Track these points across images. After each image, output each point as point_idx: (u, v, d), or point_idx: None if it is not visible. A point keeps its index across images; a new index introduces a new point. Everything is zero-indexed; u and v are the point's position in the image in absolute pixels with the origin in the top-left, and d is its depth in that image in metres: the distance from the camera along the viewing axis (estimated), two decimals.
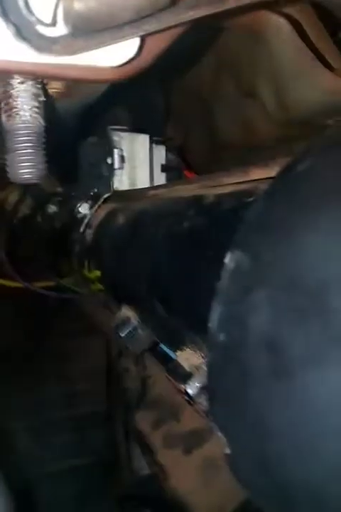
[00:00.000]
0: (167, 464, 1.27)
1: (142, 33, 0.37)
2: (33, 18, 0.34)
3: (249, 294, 0.32)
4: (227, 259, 0.35)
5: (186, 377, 0.54)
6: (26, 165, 0.49)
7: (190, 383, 0.53)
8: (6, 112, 0.48)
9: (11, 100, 0.48)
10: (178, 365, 0.56)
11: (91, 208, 0.84)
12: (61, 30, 0.35)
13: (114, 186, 0.86)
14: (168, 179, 0.94)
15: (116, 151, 0.81)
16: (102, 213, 0.83)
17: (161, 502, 1.29)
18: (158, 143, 0.89)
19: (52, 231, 1.09)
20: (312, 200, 0.31)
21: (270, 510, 0.37)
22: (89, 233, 0.85)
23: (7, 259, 1.27)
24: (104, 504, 1.40)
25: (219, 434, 0.39)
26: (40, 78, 0.45)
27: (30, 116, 0.48)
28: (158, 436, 1.32)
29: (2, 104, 0.48)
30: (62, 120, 0.63)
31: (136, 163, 0.85)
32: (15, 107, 0.47)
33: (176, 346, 0.59)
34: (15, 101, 0.47)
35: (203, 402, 0.54)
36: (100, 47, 0.37)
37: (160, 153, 0.90)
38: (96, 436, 1.49)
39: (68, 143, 0.68)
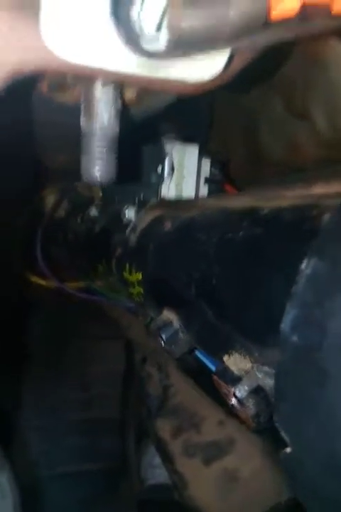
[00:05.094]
0: (186, 473, 1.28)
1: (233, 51, 0.40)
2: (137, 29, 0.37)
3: (328, 299, 0.35)
4: (303, 265, 0.37)
5: (235, 380, 0.55)
6: (99, 168, 0.52)
7: (239, 387, 0.55)
8: (85, 115, 0.51)
9: (91, 105, 0.51)
10: (227, 369, 0.57)
11: (137, 213, 0.87)
12: (161, 43, 0.38)
13: (161, 194, 0.88)
14: (209, 192, 0.97)
15: (167, 160, 0.84)
16: (148, 219, 0.85)
17: (177, 510, 1.29)
18: (204, 155, 0.92)
19: (91, 234, 1.12)
20: None
21: None
22: (134, 237, 0.87)
23: (43, 259, 1.31)
24: (110, 511, 1.41)
25: (282, 433, 0.41)
26: (129, 85, 0.48)
27: (108, 121, 0.51)
28: (177, 445, 1.33)
29: (82, 107, 0.52)
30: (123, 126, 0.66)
31: (185, 173, 0.87)
32: (95, 112, 0.50)
33: (223, 351, 0.60)
34: (95, 106, 0.51)
35: (251, 405, 0.55)
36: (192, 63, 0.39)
37: (206, 165, 0.92)
38: (107, 442, 1.50)
39: (119, 149, 0.70)
